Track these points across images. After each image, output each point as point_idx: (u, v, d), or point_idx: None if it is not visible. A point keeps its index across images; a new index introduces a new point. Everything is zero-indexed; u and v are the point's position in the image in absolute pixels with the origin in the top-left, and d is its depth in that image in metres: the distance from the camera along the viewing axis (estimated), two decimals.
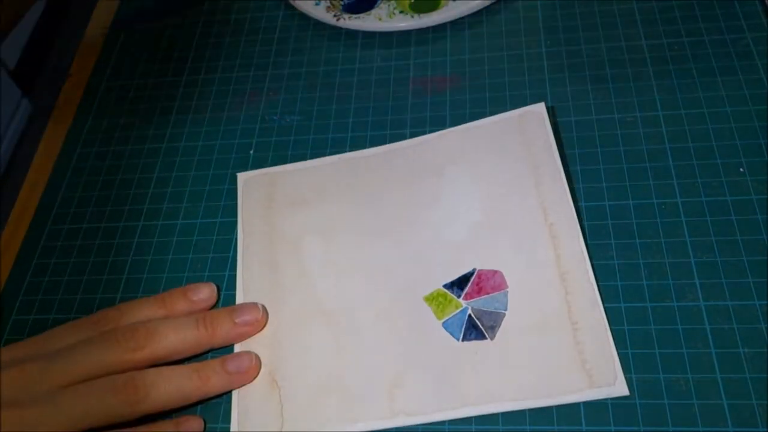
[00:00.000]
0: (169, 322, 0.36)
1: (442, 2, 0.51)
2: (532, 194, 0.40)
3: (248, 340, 0.38)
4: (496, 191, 0.41)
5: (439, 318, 0.37)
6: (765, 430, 0.32)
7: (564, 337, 0.35)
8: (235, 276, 0.41)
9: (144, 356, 0.35)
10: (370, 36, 0.52)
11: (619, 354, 0.34)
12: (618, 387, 0.34)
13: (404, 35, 0.51)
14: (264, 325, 0.38)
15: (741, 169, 0.40)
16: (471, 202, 0.41)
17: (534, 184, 0.40)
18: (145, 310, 0.38)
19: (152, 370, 0.35)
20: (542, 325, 0.36)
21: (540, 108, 0.43)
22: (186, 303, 0.39)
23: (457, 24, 0.51)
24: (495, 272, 0.38)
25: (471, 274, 0.38)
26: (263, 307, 0.38)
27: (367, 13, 0.52)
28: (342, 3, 0.53)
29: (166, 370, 0.35)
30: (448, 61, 0.49)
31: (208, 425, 0.36)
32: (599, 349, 0.35)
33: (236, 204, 0.44)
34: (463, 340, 0.36)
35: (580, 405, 0.34)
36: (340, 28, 0.52)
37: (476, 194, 0.41)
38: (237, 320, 0.37)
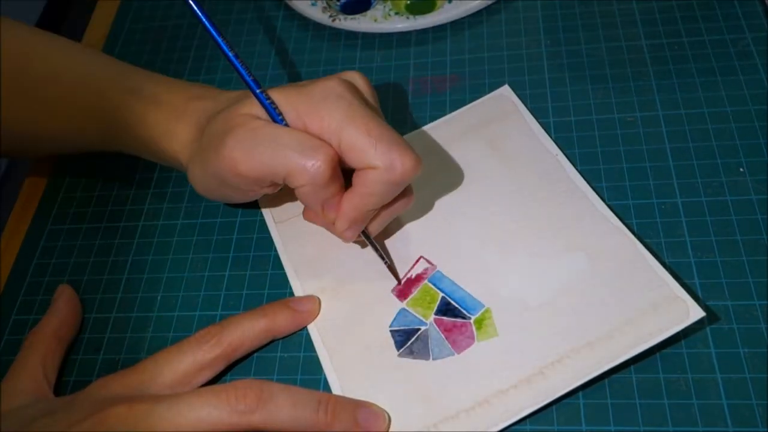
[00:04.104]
0: (289, 393, 0.33)
1: (438, 3, 0.51)
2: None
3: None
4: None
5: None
6: (765, 430, 0.32)
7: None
8: (235, 275, 0.41)
9: (252, 422, 0.32)
10: (370, 36, 0.52)
11: None
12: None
13: (404, 35, 0.51)
14: None
15: (741, 169, 0.40)
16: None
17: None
18: (245, 321, 0.37)
19: None
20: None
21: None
22: (289, 313, 0.37)
23: (457, 24, 0.51)
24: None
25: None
26: (389, 416, 0.34)
27: (363, 14, 0.52)
28: (337, 4, 0.53)
29: None
30: (448, 61, 0.49)
31: None
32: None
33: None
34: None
35: (580, 405, 0.34)
36: (340, 29, 0.52)
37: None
38: (360, 420, 0.34)
